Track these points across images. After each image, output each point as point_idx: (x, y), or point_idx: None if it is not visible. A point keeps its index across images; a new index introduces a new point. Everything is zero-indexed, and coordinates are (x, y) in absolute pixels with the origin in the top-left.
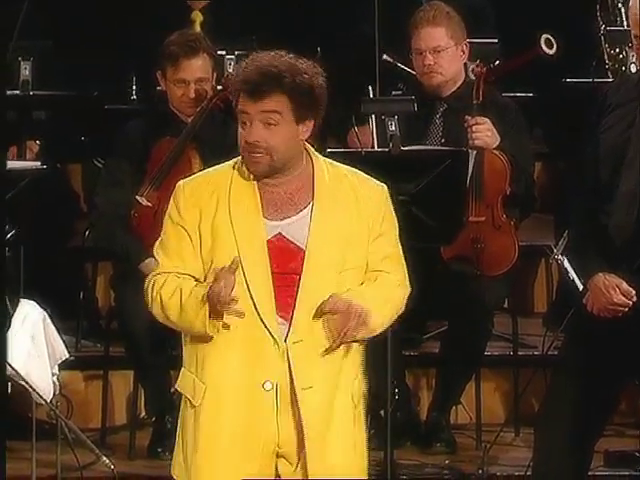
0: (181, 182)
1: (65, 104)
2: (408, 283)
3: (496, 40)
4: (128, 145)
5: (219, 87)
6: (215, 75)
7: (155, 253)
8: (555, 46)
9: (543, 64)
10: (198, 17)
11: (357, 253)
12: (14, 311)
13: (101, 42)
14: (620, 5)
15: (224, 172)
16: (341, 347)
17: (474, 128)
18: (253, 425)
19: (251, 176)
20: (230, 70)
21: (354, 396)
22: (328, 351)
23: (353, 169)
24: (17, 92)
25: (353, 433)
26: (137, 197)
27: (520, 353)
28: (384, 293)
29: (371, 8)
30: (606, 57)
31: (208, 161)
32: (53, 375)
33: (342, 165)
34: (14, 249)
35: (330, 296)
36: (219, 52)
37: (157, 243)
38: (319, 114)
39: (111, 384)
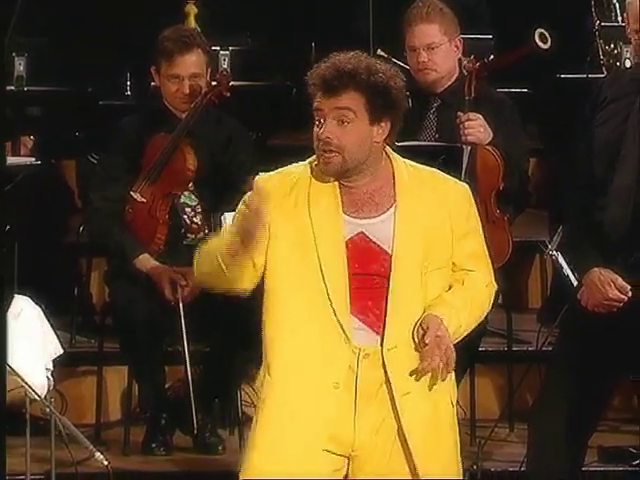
0: (260, 176)
1: (59, 100)
2: (494, 281)
3: (490, 36)
4: (122, 141)
5: (213, 83)
6: (209, 71)
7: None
8: (549, 41)
9: (537, 60)
10: (192, 10)
11: (441, 254)
12: (8, 307)
13: (95, 38)
14: (615, 1)
15: (305, 169)
16: None
17: (466, 124)
18: (316, 422)
19: (327, 175)
20: (224, 66)
21: (452, 397)
22: (418, 376)
23: (434, 170)
24: (11, 88)
25: (456, 436)
26: (131, 193)
27: (514, 349)
28: (472, 295)
29: (365, 4)
30: (600, 53)
31: (202, 157)
32: (47, 371)
33: (422, 166)
34: (8, 245)
35: (423, 321)
36: (213, 48)
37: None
38: (396, 116)
39: (105, 380)
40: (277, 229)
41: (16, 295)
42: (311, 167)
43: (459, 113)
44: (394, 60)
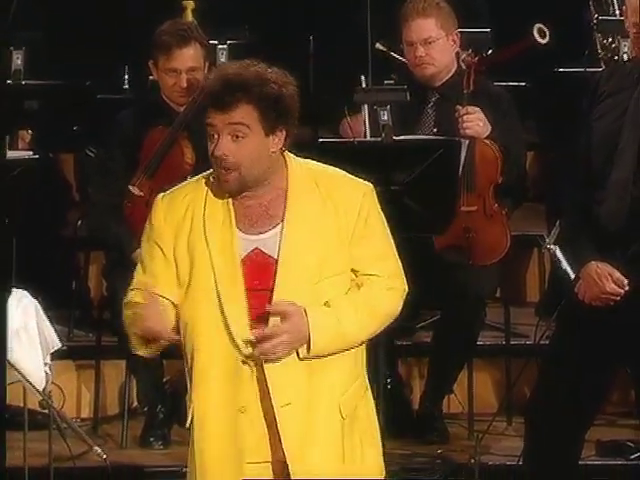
0: (159, 196)
1: (57, 94)
2: (403, 282)
3: (488, 29)
4: (120, 135)
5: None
6: (207, 64)
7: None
8: (548, 36)
9: (535, 53)
10: (190, 5)
11: (336, 260)
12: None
13: (93, 32)
14: None
15: (200, 185)
16: (326, 361)
17: (465, 117)
18: (233, 447)
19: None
20: (222, 60)
21: (344, 409)
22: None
23: (336, 170)
24: (9, 82)
25: (342, 444)
26: (130, 187)
27: (512, 343)
28: (365, 299)
29: None
30: (598, 46)
31: (200, 150)
32: (45, 365)
33: (323, 167)
34: (5, 239)
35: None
36: (211, 41)
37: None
38: (291, 124)
39: (103, 374)
40: (177, 252)
41: (14, 289)
42: (206, 182)
43: (458, 107)
44: (392, 54)
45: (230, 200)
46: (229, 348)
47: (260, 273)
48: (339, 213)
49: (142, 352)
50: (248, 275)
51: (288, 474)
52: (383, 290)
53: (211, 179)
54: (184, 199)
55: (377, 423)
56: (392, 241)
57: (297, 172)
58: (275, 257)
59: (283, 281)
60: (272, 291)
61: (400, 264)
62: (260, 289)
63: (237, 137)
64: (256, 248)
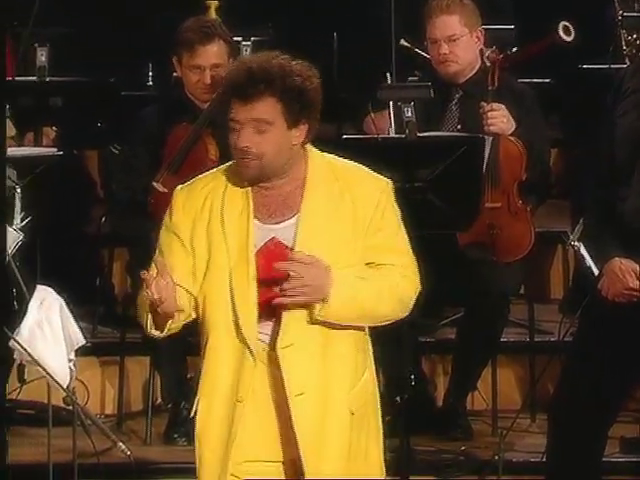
0: (178, 188)
1: (81, 90)
2: (417, 277)
3: (512, 26)
4: (144, 131)
5: None
6: (231, 61)
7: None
8: (573, 33)
9: (560, 50)
10: (213, 3)
11: (350, 252)
12: (31, 297)
13: (117, 29)
14: None
15: (219, 176)
16: (337, 354)
17: (489, 114)
18: (232, 438)
19: (245, 179)
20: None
21: (352, 404)
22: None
23: (356, 165)
24: (33, 78)
25: (349, 441)
26: (153, 183)
27: (536, 339)
28: (384, 278)
29: None
30: (623, 43)
31: (224, 147)
32: (69, 361)
33: (343, 162)
34: (30, 235)
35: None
36: (235, 38)
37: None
38: (313, 118)
39: (127, 370)
40: (194, 242)
41: (38, 285)
42: (225, 173)
43: (482, 103)
44: (417, 50)
45: (249, 190)
46: (236, 340)
47: (276, 262)
48: (356, 206)
49: (154, 332)
50: (264, 265)
51: (302, 473)
52: (398, 277)
53: (230, 170)
54: (203, 189)
55: (381, 422)
56: (407, 238)
57: (317, 165)
58: (291, 247)
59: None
60: (287, 280)
61: (415, 261)
62: (272, 278)
63: (260, 131)
64: (273, 237)
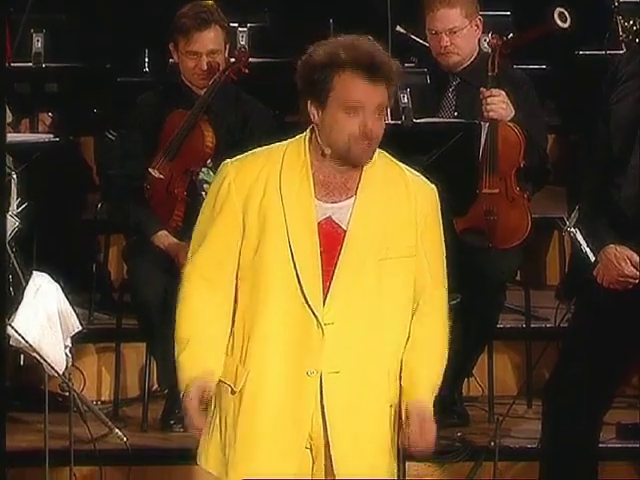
0: (227, 161)
1: (77, 77)
2: (445, 284)
3: (508, 12)
4: (141, 117)
5: (232, 59)
6: (228, 47)
7: (192, 245)
8: (569, 20)
9: (556, 36)
10: None
11: (402, 243)
12: (27, 283)
13: (113, 15)
14: None
15: (274, 152)
16: (381, 340)
17: (489, 100)
18: (296, 415)
19: (305, 156)
20: (242, 42)
21: (390, 394)
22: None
23: (406, 166)
24: (30, 64)
25: (390, 433)
26: (150, 169)
27: (533, 326)
28: (438, 345)
29: None
30: (619, 29)
31: (221, 133)
32: (66, 347)
33: (395, 160)
34: (27, 222)
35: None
36: (231, 24)
37: (194, 231)
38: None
39: (123, 356)
40: (247, 213)
41: (35, 272)
42: (280, 152)
43: (482, 89)
44: (413, 37)
45: (309, 167)
46: (302, 310)
47: (328, 242)
48: (413, 201)
49: None
50: (320, 243)
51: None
52: (441, 317)
53: (287, 148)
54: (256, 164)
55: None
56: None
57: (375, 155)
58: (344, 228)
59: (349, 251)
60: (338, 259)
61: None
62: (329, 256)
63: (380, 116)
64: (328, 217)
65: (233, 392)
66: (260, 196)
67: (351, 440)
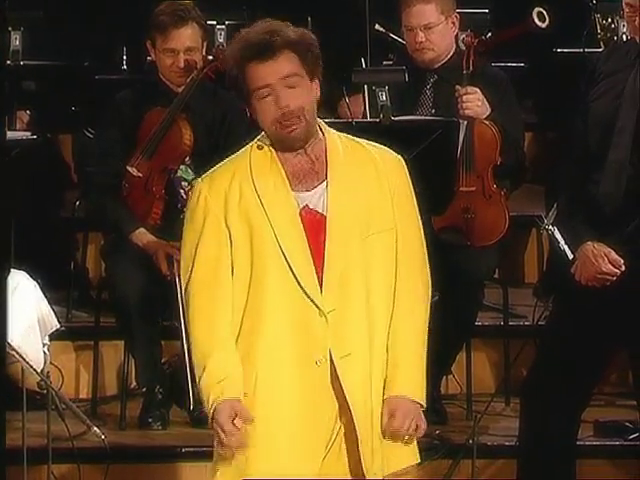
0: (198, 180)
1: (55, 74)
2: (423, 277)
3: (487, 10)
4: (119, 115)
5: (210, 57)
6: (205, 45)
7: (183, 267)
8: (547, 20)
9: (534, 34)
10: None
11: (381, 217)
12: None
13: (91, 12)
14: None
15: (240, 157)
16: (372, 314)
17: (464, 98)
18: (313, 408)
19: (271, 152)
20: (221, 40)
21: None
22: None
23: (369, 141)
24: (7, 62)
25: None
26: (128, 167)
27: (511, 323)
28: (419, 332)
29: None
30: (598, 27)
31: (199, 131)
32: (44, 345)
33: (356, 137)
34: (4, 219)
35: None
36: (209, 22)
37: (182, 254)
38: (320, 73)
39: (102, 354)
40: (229, 222)
41: (12, 270)
42: (250, 150)
43: (457, 87)
44: (391, 35)
45: (277, 161)
46: (302, 302)
47: (311, 230)
48: (382, 175)
49: None
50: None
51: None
52: (421, 301)
53: (251, 148)
54: (226, 173)
55: None
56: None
57: (334, 136)
58: (323, 213)
59: (334, 236)
60: (324, 246)
61: (424, 250)
62: (314, 244)
63: (291, 87)
64: (306, 205)
65: (244, 395)
66: (237, 200)
67: (373, 420)
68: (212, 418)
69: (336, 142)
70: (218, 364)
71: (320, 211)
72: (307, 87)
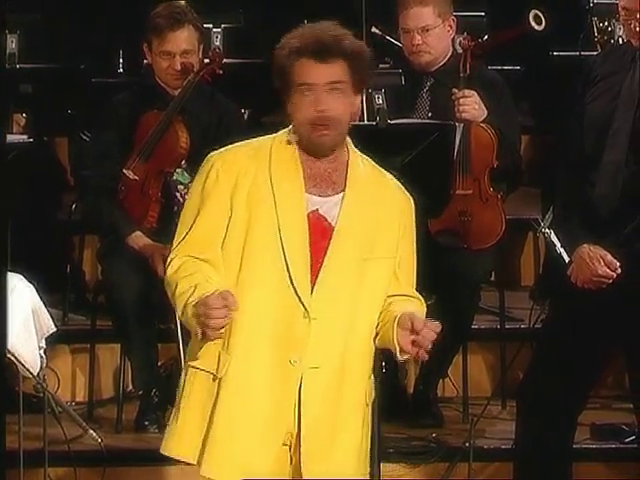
0: (212, 154)
1: (52, 77)
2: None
3: (483, 13)
4: (115, 118)
5: (206, 60)
6: (202, 48)
7: (179, 230)
8: (544, 22)
9: (531, 37)
10: None
11: (385, 244)
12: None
13: (88, 15)
14: None
15: (261, 143)
16: (353, 336)
17: (461, 101)
18: (277, 405)
19: (294, 149)
20: (217, 43)
21: (366, 394)
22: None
23: (387, 172)
24: (4, 65)
25: (361, 433)
26: (124, 170)
27: (507, 326)
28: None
29: None
30: (594, 30)
31: (195, 134)
32: (40, 348)
33: (377, 166)
34: (0, 222)
35: (404, 315)
36: (206, 25)
37: (181, 220)
38: (365, 89)
39: (98, 357)
40: (234, 202)
41: (9, 273)
42: (274, 140)
43: (454, 90)
44: (388, 38)
45: (298, 159)
46: (289, 299)
47: (315, 234)
48: (394, 205)
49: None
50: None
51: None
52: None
53: (276, 139)
54: (242, 157)
55: None
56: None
57: (357, 153)
58: (331, 222)
59: (337, 248)
60: (324, 254)
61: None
62: (315, 249)
63: (334, 91)
64: (316, 210)
65: (215, 379)
66: (247, 188)
67: (322, 438)
68: (192, 314)
69: (358, 160)
70: (190, 277)
71: (329, 220)
72: (349, 98)
